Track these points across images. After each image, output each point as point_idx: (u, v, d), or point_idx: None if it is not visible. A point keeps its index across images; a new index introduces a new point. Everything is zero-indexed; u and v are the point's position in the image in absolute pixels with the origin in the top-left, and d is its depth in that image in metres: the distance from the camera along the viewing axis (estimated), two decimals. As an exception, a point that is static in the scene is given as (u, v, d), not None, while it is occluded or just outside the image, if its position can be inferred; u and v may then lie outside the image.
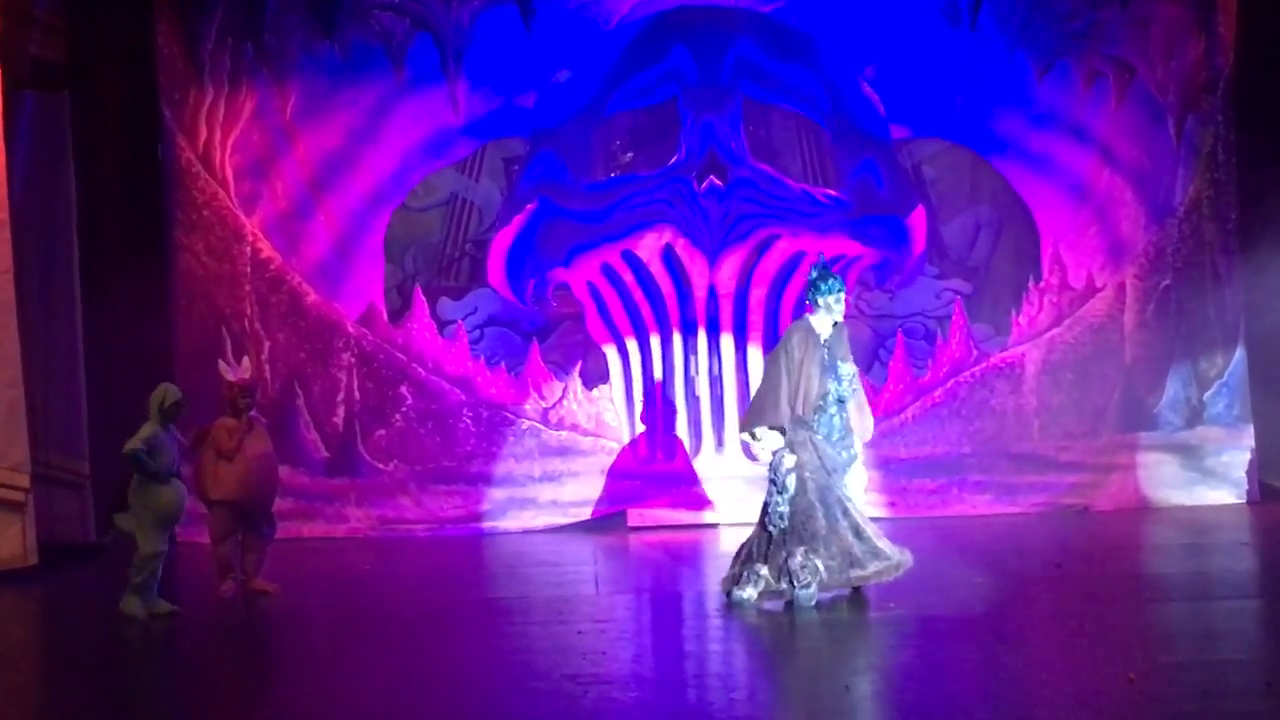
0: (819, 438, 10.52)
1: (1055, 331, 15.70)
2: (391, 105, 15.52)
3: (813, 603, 10.29)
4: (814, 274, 10.76)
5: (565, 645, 9.51)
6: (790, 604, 10.29)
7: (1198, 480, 15.51)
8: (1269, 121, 15.28)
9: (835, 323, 10.69)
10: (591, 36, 15.55)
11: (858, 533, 10.43)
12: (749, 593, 10.42)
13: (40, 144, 14.22)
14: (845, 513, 10.45)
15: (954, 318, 15.75)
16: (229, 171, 15.30)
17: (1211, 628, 9.56)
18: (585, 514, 15.30)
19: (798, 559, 10.30)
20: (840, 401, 10.60)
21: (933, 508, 15.16)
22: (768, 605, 10.37)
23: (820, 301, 10.63)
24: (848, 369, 10.64)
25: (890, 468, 15.20)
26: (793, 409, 10.46)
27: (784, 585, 10.35)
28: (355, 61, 15.45)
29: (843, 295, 10.71)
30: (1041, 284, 15.76)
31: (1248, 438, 15.51)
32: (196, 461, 11.61)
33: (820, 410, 10.53)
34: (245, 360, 12.14)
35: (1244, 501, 15.32)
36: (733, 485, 15.31)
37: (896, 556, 10.47)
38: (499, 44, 15.51)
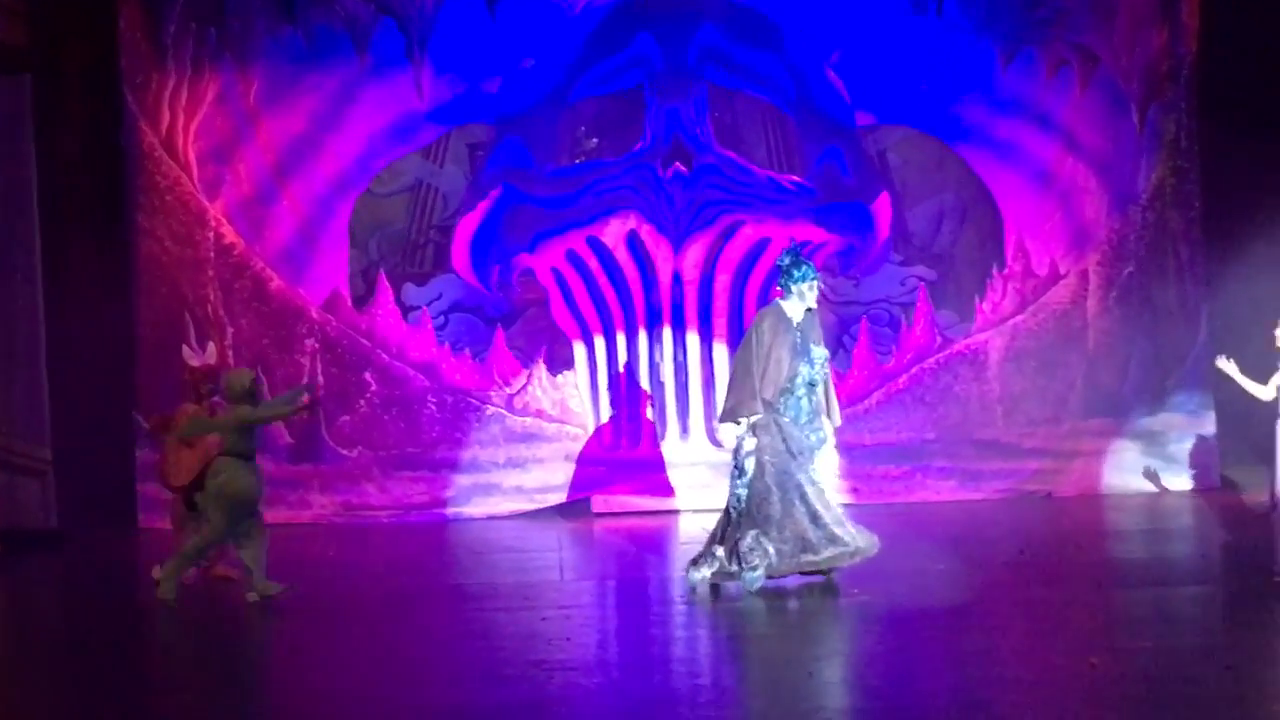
0: (786, 420, 10.53)
1: (1019, 318, 15.77)
2: (356, 90, 15.48)
3: (757, 586, 10.32)
4: (786, 260, 10.74)
5: (531, 631, 9.52)
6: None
7: (1160, 467, 15.60)
8: (1232, 109, 15.36)
9: (808, 308, 10.71)
10: (556, 22, 15.54)
11: (815, 518, 10.41)
12: (703, 573, 10.45)
13: (1, 127, 14.14)
14: (803, 497, 10.44)
15: (918, 304, 15.80)
16: (192, 156, 15.25)
17: (1172, 613, 9.63)
18: (550, 500, 15.32)
19: (747, 541, 10.35)
20: (811, 385, 10.61)
21: (896, 494, 15.23)
22: (732, 587, 10.41)
23: (794, 289, 10.63)
24: (820, 352, 10.65)
25: (854, 454, 15.23)
26: (761, 394, 10.49)
27: (734, 567, 10.40)
28: (319, 46, 15.41)
29: (815, 282, 10.70)
30: (1005, 271, 15.82)
31: (1209, 425, 15.60)
32: (159, 448, 11.55)
33: (788, 393, 10.53)
34: (210, 346, 12.07)
35: (1205, 488, 15.41)
36: (697, 472, 15.34)
37: (854, 543, 10.45)
38: (464, 29, 15.48)
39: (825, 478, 10.72)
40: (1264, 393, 10.32)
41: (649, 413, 15.66)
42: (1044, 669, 8.14)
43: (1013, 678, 8.03)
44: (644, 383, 15.62)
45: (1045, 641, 8.89)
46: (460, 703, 7.69)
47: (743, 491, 10.45)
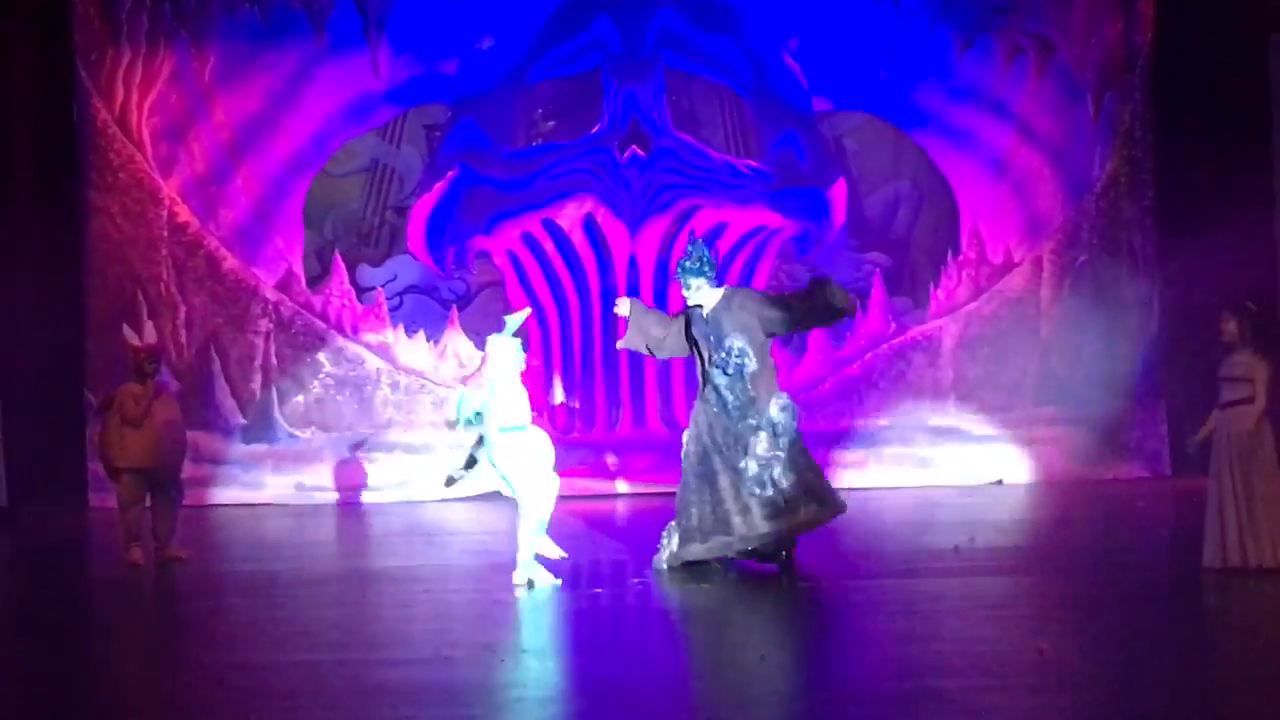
0: (714, 411, 10.60)
1: (973, 305, 15.84)
2: (312, 70, 15.42)
3: (662, 567, 10.48)
4: (686, 252, 10.86)
5: (483, 613, 9.52)
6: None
7: (1111, 455, 15.70)
8: (1187, 100, 15.45)
9: (723, 296, 10.68)
10: (515, 4, 15.52)
11: (716, 507, 10.48)
12: (663, 554, 10.66)
13: (-47, 103, 14.05)
14: (714, 486, 10.52)
15: (873, 291, 15.85)
16: (146, 134, 15.16)
17: (1123, 599, 9.69)
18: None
19: (671, 524, 10.55)
20: (731, 375, 10.60)
21: (849, 480, 15.27)
22: (686, 573, 10.44)
23: (680, 281, 10.77)
24: (734, 343, 10.58)
25: (808, 439, 15.19)
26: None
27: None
28: (276, 24, 15.34)
29: (691, 281, 10.63)
30: (960, 258, 15.89)
31: (1161, 413, 15.71)
32: (103, 428, 11.42)
33: (708, 383, 10.61)
34: (149, 326, 11.97)
35: (1156, 475, 15.52)
36: (650, 455, 15.35)
37: (742, 535, 10.44)
38: (422, 10, 15.45)
39: (754, 461, 10.59)
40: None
41: (603, 397, 15.67)
42: (993, 655, 8.18)
43: (963, 664, 8.07)
44: (598, 366, 15.62)
45: (995, 628, 8.94)
46: (411, 682, 7.68)
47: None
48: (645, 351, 11.12)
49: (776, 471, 10.48)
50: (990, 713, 7.01)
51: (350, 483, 15.32)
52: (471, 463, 10.57)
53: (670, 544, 10.63)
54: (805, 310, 10.71)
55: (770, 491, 10.45)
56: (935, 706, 7.17)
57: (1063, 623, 8.94)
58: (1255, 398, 9.89)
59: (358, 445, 15.39)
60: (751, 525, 10.45)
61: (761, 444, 10.51)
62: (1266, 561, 9.79)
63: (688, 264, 10.70)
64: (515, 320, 10.31)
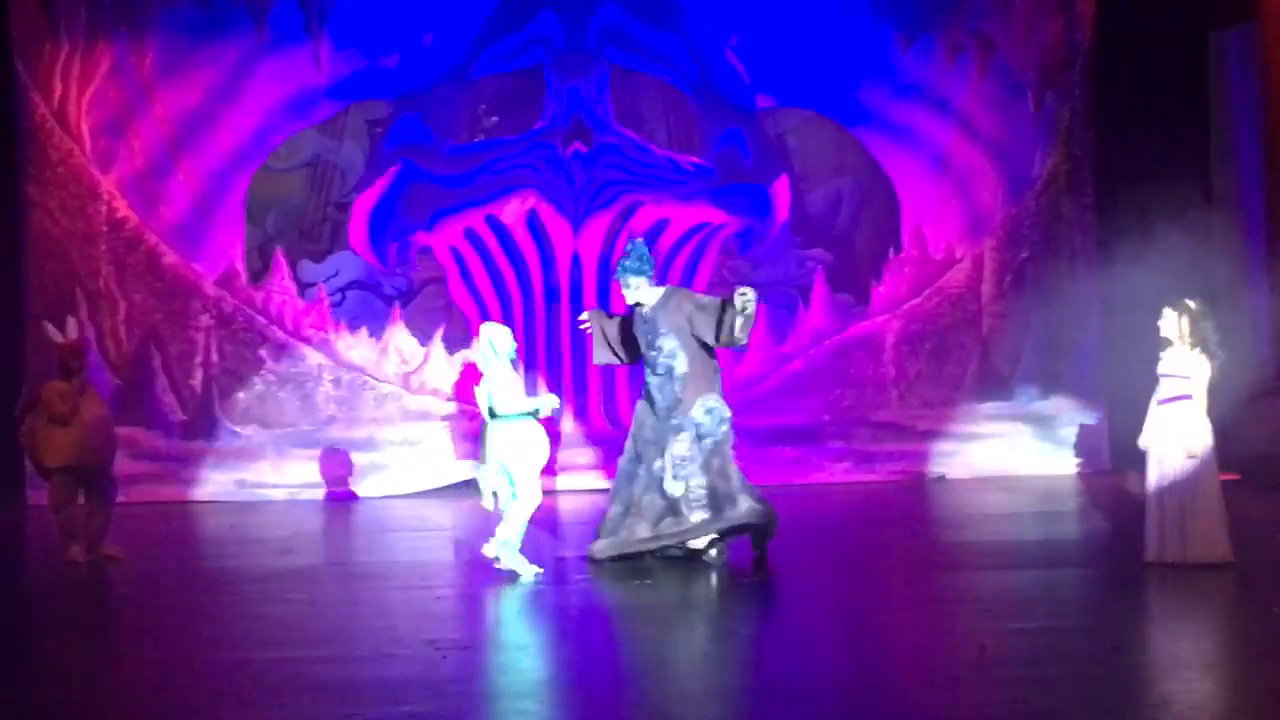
0: (645, 410, 10.70)
1: (915, 302, 15.91)
2: (253, 64, 15.34)
3: (595, 557, 10.62)
4: (625, 251, 10.92)
5: (425, 610, 9.50)
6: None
7: (1052, 449, 15.81)
8: (1127, 98, 15.56)
9: (663, 295, 10.70)
10: (458, -1, 15.47)
11: (627, 507, 10.63)
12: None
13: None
14: (631, 483, 10.62)
15: (815, 287, 15.90)
16: (85, 128, 15.05)
17: (1062, 594, 9.76)
18: (445, 480, 15.27)
19: (613, 509, 10.79)
20: (661, 376, 10.62)
21: (792, 475, 15.31)
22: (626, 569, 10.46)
23: (619, 280, 10.84)
24: (666, 342, 10.59)
25: (748, 435, 15.28)
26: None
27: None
28: (217, 18, 15.25)
29: (630, 281, 10.67)
30: (902, 255, 15.95)
31: (1100, 409, 15.83)
32: (29, 427, 11.22)
33: (646, 383, 10.72)
34: (71, 322, 11.81)
35: (1094, 471, 15.63)
36: (592, 450, 15.36)
37: (605, 543, 10.63)
38: (364, 4, 15.39)
39: (672, 460, 10.59)
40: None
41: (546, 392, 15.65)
42: (933, 649, 8.23)
43: (904, 658, 8.11)
44: (541, 362, 15.60)
45: (937, 622, 8.99)
46: (353, 679, 7.66)
47: None
48: (618, 361, 11.16)
49: (686, 473, 10.50)
50: (929, 708, 7.04)
51: (292, 480, 15.24)
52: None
53: (602, 527, 10.82)
54: (720, 325, 10.49)
55: (679, 491, 10.48)
56: (874, 702, 7.20)
57: (1003, 618, 9.00)
58: (1194, 394, 9.97)
59: (299, 442, 15.29)
60: (633, 532, 10.52)
61: (679, 445, 10.51)
62: (1204, 557, 9.87)
63: (627, 263, 10.72)
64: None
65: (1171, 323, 10.11)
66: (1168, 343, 10.13)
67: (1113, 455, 15.75)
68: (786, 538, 10.91)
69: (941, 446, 15.77)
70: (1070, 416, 15.86)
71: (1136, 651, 8.11)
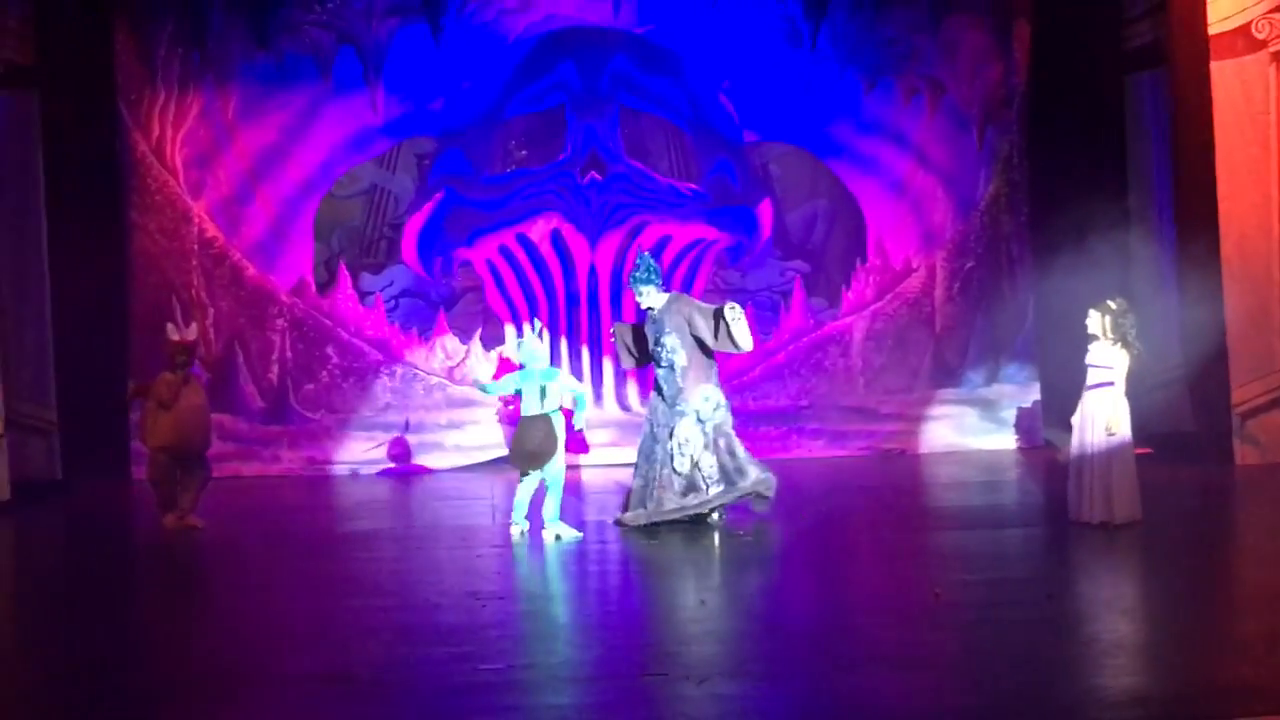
0: (658, 396, 10.71)
1: (878, 305, 15.88)
2: (320, 107, 15.33)
3: (628, 524, 10.59)
4: (635, 264, 10.91)
5: (467, 566, 9.51)
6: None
7: (993, 429, 15.78)
8: (1055, 132, 15.52)
9: (668, 300, 10.74)
10: (492, 51, 15.45)
11: (649, 480, 10.62)
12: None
13: (12, 138, 13.92)
14: (650, 462, 10.61)
15: (794, 292, 15.88)
16: (178, 162, 15.05)
17: (1003, 551, 9.76)
18: (485, 457, 15.27)
19: (636, 483, 10.79)
20: (663, 368, 10.64)
21: (775, 451, 15.28)
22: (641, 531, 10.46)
23: (632, 289, 10.85)
24: (669, 340, 10.62)
25: (739, 417, 15.16)
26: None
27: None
28: (288, 69, 15.24)
29: (641, 289, 10.69)
30: (867, 265, 15.92)
31: (1035, 394, 15.80)
32: (141, 412, 11.26)
33: (655, 374, 10.76)
34: (193, 325, 11.86)
35: (1030, 446, 15.61)
36: (608, 432, 15.36)
37: (654, 508, 10.58)
38: (412, 57, 15.37)
39: (680, 446, 10.59)
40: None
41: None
42: (897, 597, 8.23)
43: (870, 605, 8.11)
44: (564, 357, 15.60)
45: (898, 575, 8.99)
46: (407, 624, 7.68)
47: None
48: (634, 363, 11.20)
49: (694, 451, 10.53)
50: (893, 645, 7.05)
51: (354, 457, 15.24)
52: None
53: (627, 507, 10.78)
54: (717, 330, 10.54)
55: (686, 469, 10.52)
56: (846, 640, 7.21)
57: (953, 570, 9.00)
58: (1115, 381, 9.96)
59: (360, 425, 15.29)
60: (660, 503, 10.54)
61: (683, 428, 10.55)
62: (1120, 518, 9.88)
63: (637, 274, 10.74)
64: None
65: (1096, 321, 10.10)
66: (1094, 338, 10.12)
67: (1044, 433, 15.71)
68: (773, 504, 10.92)
69: (901, 427, 15.73)
70: (1010, 401, 15.82)
71: (1067, 599, 8.12)
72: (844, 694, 6.28)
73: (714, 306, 10.77)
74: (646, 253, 11.30)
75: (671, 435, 10.54)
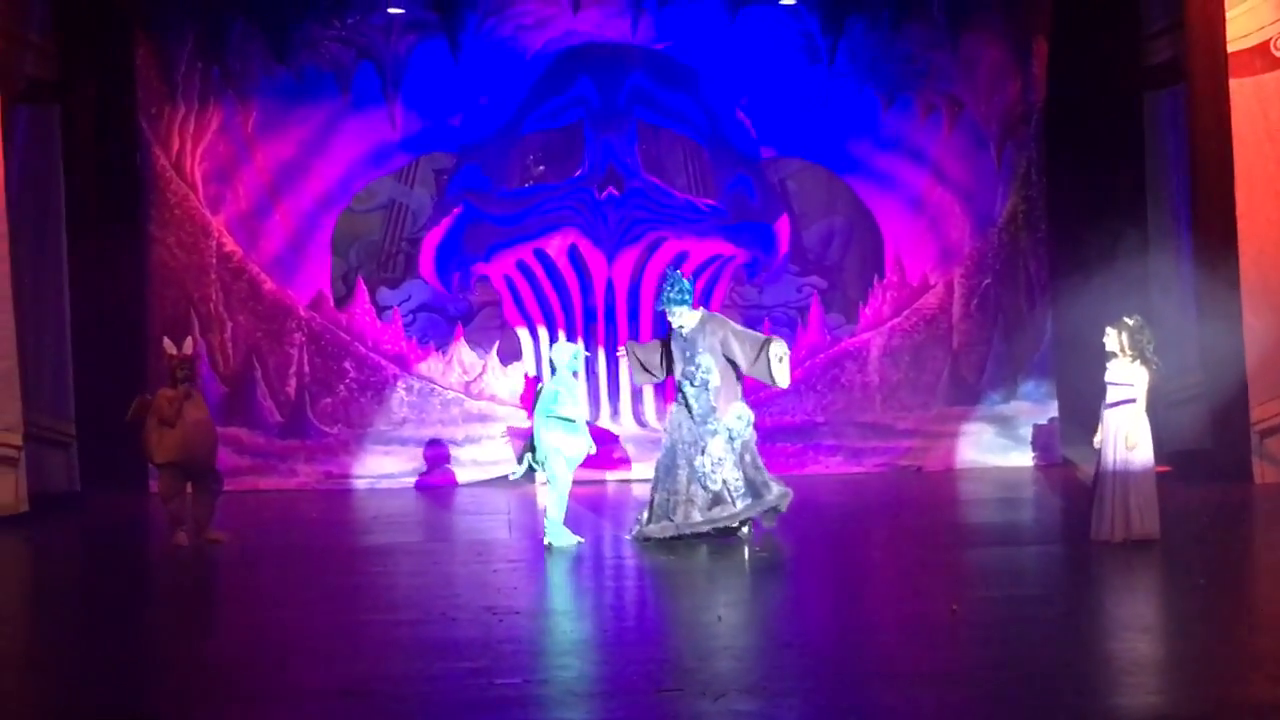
0: (683, 412, 10.70)
1: (895, 321, 15.85)
2: (339, 122, 15.37)
3: (652, 538, 10.54)
4: (665, 283, 10.87)
5: (483, 581, 9.51)
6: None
7: (1011, 446, 15.73)
8: (1074, 149, 15.51)
9: (700, 319, 10.74)
10: (510, 67, 15.49)
11: (672, 493, 10.62)
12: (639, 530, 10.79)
13: (33, 151, 13.99)
14: (674, 476, 10.64)
15: (812, 309, 15.87)
16: (198, 177, 15.10)
17: (1019, 568, 9.73)
18: (500, 471, 15.26)
19: (659, 497, 10.72)
20: (697, 386, 10.64)
21: (792, 467, 15.25)
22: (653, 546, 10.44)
23: (664, 309, 10.83)
24: (703, 359, 10.63)
25: (757, 432, 15.21)
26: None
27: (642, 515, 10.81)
28: (308, 85, 15.29)
29: (674, 309, 10.70)
30: (884, 281, 15.90)
31: (1052, 411, 15.75)
32: (142, 428, 11.19)
33: (680, 390, 10.72)
34: (187, 340, 11.75)
35: (1047, 464, 15.56)
36: (625, 447, 15.36)
37: (682, 520, 10.58)
38: (431, 72, 15.41)
39: (711, 462, 10.62)
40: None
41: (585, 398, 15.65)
42: (913, 613, 8.20)
43: (889, 620, 8.09)
44: (580, 373, 15.60)
45: (916, 590, 8.96)
46: (423, 638, 7.68)
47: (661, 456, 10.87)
48: (656, 379, 11.24)
49: (725, 469, 10.55)
50: (910, 661, 7.02)
51: (371, 471, 15.26)
52: (521, 458, 10.78)
53: (640, 521, 10.75)
54: (755, 359, 10.66)
55: (718, 485, 10.53)
56: (862, 656, 7.19)
57: (971, 587, 8.97)
58: (1136, 399, 9.92)
59: (377, 440, 15.30)
60: (688, 516, 10.54)
61: (716, 445, 10.59)
62: (1138, 534, 9.84)
63: (671, 294, 10.73)
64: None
65: (1113, 338, 10.07)
66: (1112, 355, 10.09)
67: (1062, 450, 15.68)
68: (790, 520, 10.91)
69: (917, 443, 15.70)
70: (1027, 418, 15.77)
71: (1084, 616, 8.08)
72: (861, 710, 6.26)
73: (751, 332, 10.98)
74: (678, 271, 11.28)
75: (703, 453, 10.56)
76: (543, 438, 10.58)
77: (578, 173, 15.57)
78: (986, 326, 15.80)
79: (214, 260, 15.13)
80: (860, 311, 15.87)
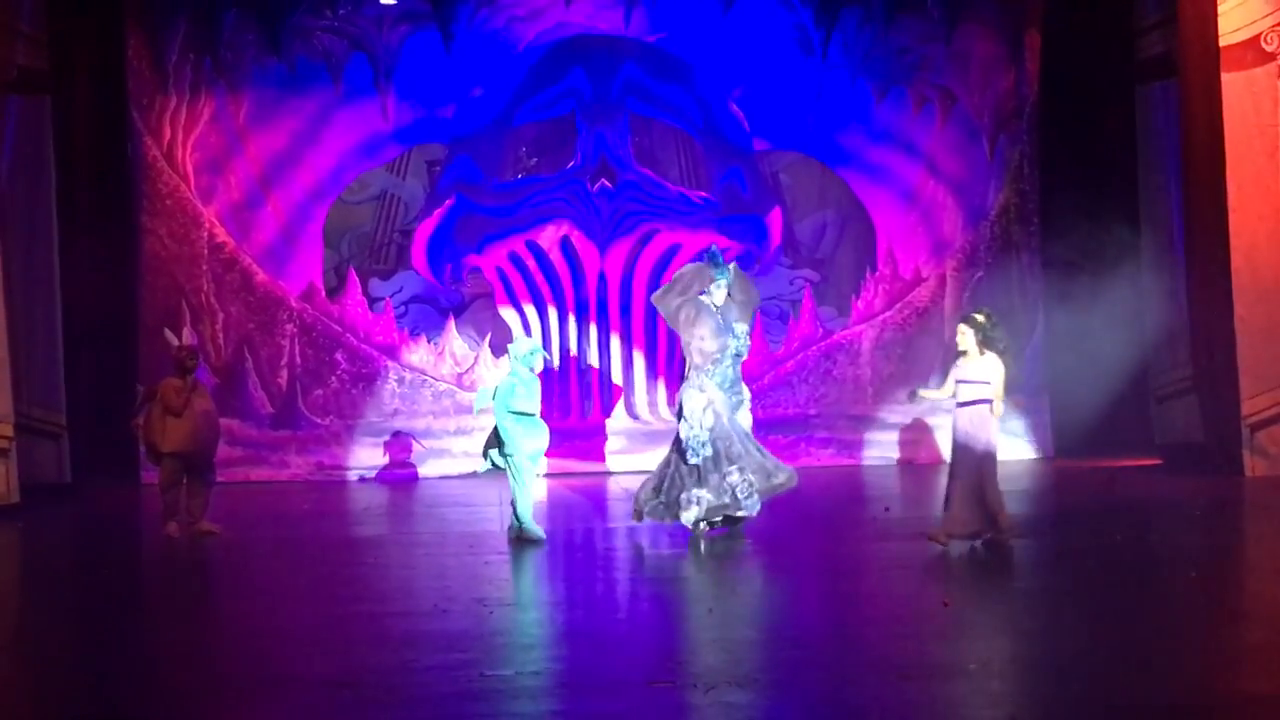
0: (714, 383, 10.43)
1: (887, 314, 15.88)
2: (331, 113, 15.36)
3: (756, 510, 10.25)
4: (707, 260, 10.66)
5: (474, 573, 9.49)
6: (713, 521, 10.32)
7: (1004, 438, 15.71)
8: (1066, 142, 15.54)
9: (729, 294, 10.60)
10: (502, 58, 15.47)
11: (761, 452, 10.49)
12: (694, 513, 10.22)
13: (24, 141, 13.95)
14: (748, 436, 10.49)
15: (804, 301, 15.88)
16: (189, 167, 15.08)
17: (1010, 562, 9.72)
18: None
19: (734, 477, 10.25)
20: (737, 355, 10.55)
21: (784, 459, 15.07)
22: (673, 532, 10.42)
23: (709, 288, 10.48)
24: (742, 328, 10.56)
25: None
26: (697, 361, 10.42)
27: (727, 500, 10.24)
28: (300, 75, 15.28)
29: (723, 282, 10.55)
30: (877, 274, 15.92)
31: (1044, 405, 15.77)
32: (146, 417, 11.17)
33: (717, 362, 10.43)
34: (186, 331, 11.76)
35: (1041, 457, 15.58)
36: (617, 440, 15.36)
37: (787, 472, 10.51)
38: (423, 63, 15.40)
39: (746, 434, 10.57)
40: (943, 393, 10.08)
41: (576, 390, 15.65)
42: (905, 606, 8.20)
43: (882, 614, 8.08)
44: (573, 365, 15.61)
45: (907, 584, 8.96)
46: (415, 630, 7.66)
47: (705, 438, 10.30)
48: None
49: (752, 444, 10.47)
50: (901, 654, 7.02)
51: (362, 463, 15.25)
52: (486, 453, 10.65)
53: (753, 488, 10.32)
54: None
55: (760, 457, 10.42)
56: (854, 648, 7.19)
57: (962, 580, 8.97)
58: (992, 397, 9.66)
59: (369, 431, 15.29)
60: (767, 477, 10.34)
61: (744, 416, 10.54)
62: (986, 531, 9.65)
63: (722, 272, 10.47)
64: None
65: (966, 337, 9.78)
66: (963, 353, 9.84)
67: (1055, 442, 15.70)
68: (782, 512, 10.90)
69: (909, 436, 15.72)
70: (1019, 411, 15.77)
71: (1074, 608, 8.08)
72: (852, 703, 6.26)
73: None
74: (715, 250, 10.99)
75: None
76: (502, 431, 10.49)
77: (570, 164, 15.56)
78: (978, 320, 15.78)
79: (205, 251, 15.12)
80: (853, 304, 15.89)
